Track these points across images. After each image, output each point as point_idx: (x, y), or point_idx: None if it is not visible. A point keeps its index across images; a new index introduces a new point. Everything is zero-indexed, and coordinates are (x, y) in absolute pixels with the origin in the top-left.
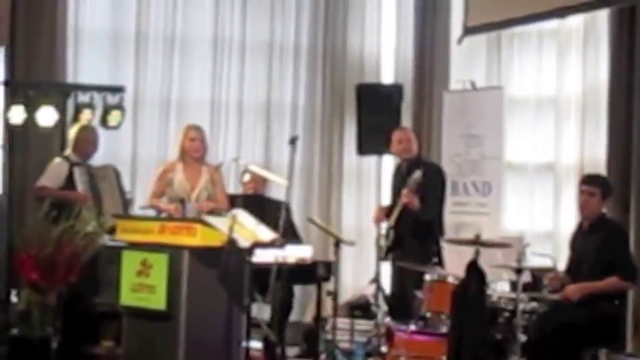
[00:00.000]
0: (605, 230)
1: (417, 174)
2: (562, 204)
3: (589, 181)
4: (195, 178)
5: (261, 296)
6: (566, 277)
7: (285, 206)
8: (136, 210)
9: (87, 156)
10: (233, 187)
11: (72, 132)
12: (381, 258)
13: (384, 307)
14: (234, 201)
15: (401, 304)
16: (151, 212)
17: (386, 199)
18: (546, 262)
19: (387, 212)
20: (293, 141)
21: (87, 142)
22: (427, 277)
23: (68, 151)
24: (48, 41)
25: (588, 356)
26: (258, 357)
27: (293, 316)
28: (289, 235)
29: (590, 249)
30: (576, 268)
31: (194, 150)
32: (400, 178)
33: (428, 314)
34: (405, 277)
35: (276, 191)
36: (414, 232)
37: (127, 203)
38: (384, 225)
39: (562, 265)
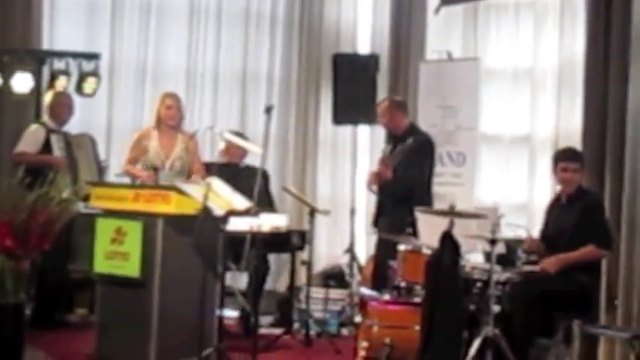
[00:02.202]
0: (584, 202)
1: (390, 148)
2: (537, 176)
3: (571, 157)
4: (170, 146)
5: (235, 265)
6: (538, 241)
7: (262, 173)
8: (111, 177)
9: (63, 121)
10: (208, 156)
11: (47, 98)
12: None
13: (358, 277)
14: (209, 169)
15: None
16: (126, 180)
17: (361, 169)
18: (521, 233)
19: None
20: (268, 110)
21: (62, 105)
22: (401, 247)
23: (45, 118)
24: (23, 8)
25: (562, 327)
26: (233, 326)
27: (267, 285)
28: (265, 202)
29: (569, 221)
30: (554, 240)
31: (170, 118)
32: (387, 149)
33: (402, 284)
34: (387, 246)
35: (251, 160)
36: (393, 201)
37: (102, 171)
38: (374, 189)
39: (536, 236)
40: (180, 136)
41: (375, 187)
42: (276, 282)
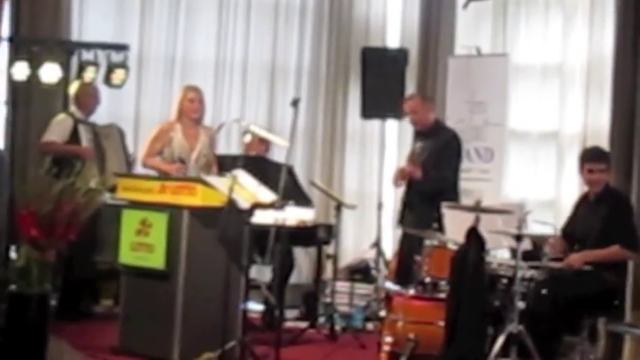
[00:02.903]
0: (612, 201)
1: (421, 143)
2: (564, 172)
3: (598, 157)
4: (193, 139)
5: (260, 258)
6: (562, 240)
7: (287, 169)
8: (139, 169)
9: (90, 111)
10: (235, 148)
11: (72, 88)
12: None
13: (384, 272)
14: (235, 162)
15: (407, 269)
16: (154, 173)
17: (389, 164)
18: (547, 230)
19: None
20: (295, 103)
21: (88, 95)
22: (427, 242)
23: (72, 108)
24: None
25: (587, 325)
26: (257, 319)
27: (293, 279)
28: (296, 197)
29: (597, 220)
30: (581, 239)
31: (192, 111)
32: (414, 145)
33: (427, 279)
34: (412, 242)
35: (278, 153)
36: (422, 199)
37: (130, 163)
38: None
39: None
40: (202, 130)
41: (401, 184)
42: (303, 276)
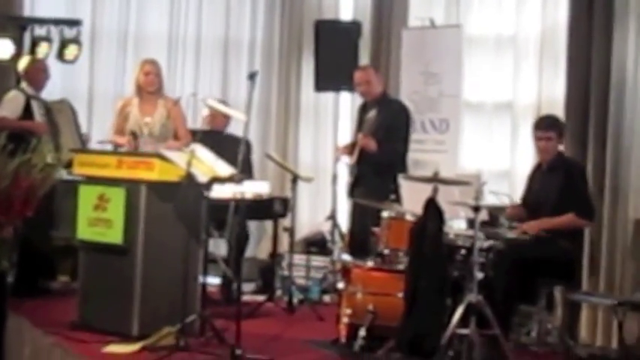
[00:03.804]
0: (565, 169)
1: (371, 114)
2: (519, 143)
3: (544, 126)
4: (149, 112)
5: (217, 232)
6: (522, 208)
7: (245, 142)
8: (94, 145)
9: (40, 87)
10: (191, 123)
11: (21, 64)
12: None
13: (340, 244)
14: (192, 136)
15: (360, 241)
16: (108, 147)
17: (343, 136)
18: (503, 200)
19: (350, 149)
20: (252, 76)
21: (38, 70)
22: (385, 214)
23: (23, 84)
24: None
25: (544, 293)
26: (215, 292)
27: (248, 252)
28: (244, 171)
29: (551, 188)
30: (537, 207)
31: (149, 84)
32: (363, 116)
33: (385, 251)
34: (365, 214)
35: (234, 127)
36: (374, 171)
37: (83, 138)
38: (346, 162)
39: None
40: (161, 102)
41: (346, 159)
42: (258, 249)
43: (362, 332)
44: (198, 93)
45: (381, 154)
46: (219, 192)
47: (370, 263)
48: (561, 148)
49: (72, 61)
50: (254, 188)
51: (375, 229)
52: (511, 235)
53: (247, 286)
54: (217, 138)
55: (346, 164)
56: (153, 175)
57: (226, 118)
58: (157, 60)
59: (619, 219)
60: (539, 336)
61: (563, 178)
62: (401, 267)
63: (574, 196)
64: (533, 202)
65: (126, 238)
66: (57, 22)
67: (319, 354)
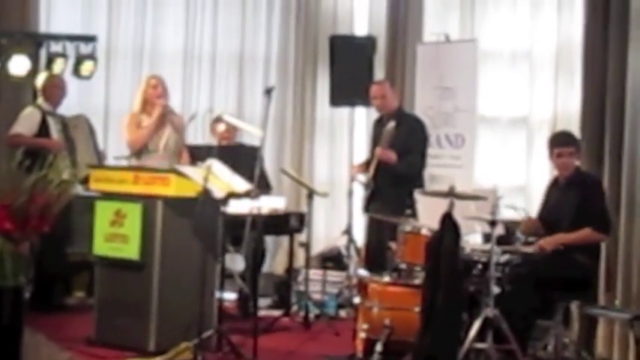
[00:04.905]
0: (583, 184)
1: (390, 126)
2: (534, 157)
3: (565, 142)
4: (160, 127)
5: (234, 247)
6: (539, 224)
7: (260, 157)
8: (110, 160)
9: (57, 102)
10: (205, 138)
11: (39, 81)
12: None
13: (356, 259)
14: (209, 152)
15: (376, 256)
16: (124, 163)
17: (358, 151)
18: (519, 215)
19: (365, 167)
20: (269, 91)
21: (54, 86)
22: (401, 228)
23: (40, 100)
24: None
25: (561, 308)
26: (232, 308)
27: (264, 267)
28: (261, 184)
29: (568, 204)
30: (554, 223)
31: (157, 96)
32: (380, 130)
33: (402, 266)
34: (381, 228)
35: (245, 136)
36: (391, 184)
37: (100, 154)
38: (362, 178)
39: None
40: (169, 117)
41: (361, 177)
42: (274, 264)
43: (378, 347)
44: (214, 109)
45: (400, 166)
46: (235, 207)
47: (386, 278)
48: (577, 163)
49: (88, 77)
50: (270, 203)
51: (392, 244)
52: (528, 250)
53: (263, 301)
54: (233, 152)
55: (361, 183)
56: (169, 191)
57: (236, 132)
58: (169, 77)
59: (635, 233)
60: (555, 350)
61: (581, 194)
62: (417, 282)
63: (591, 210)
64: (551, 218)
65: (142, 253)
66: (72, 38)
67: None
